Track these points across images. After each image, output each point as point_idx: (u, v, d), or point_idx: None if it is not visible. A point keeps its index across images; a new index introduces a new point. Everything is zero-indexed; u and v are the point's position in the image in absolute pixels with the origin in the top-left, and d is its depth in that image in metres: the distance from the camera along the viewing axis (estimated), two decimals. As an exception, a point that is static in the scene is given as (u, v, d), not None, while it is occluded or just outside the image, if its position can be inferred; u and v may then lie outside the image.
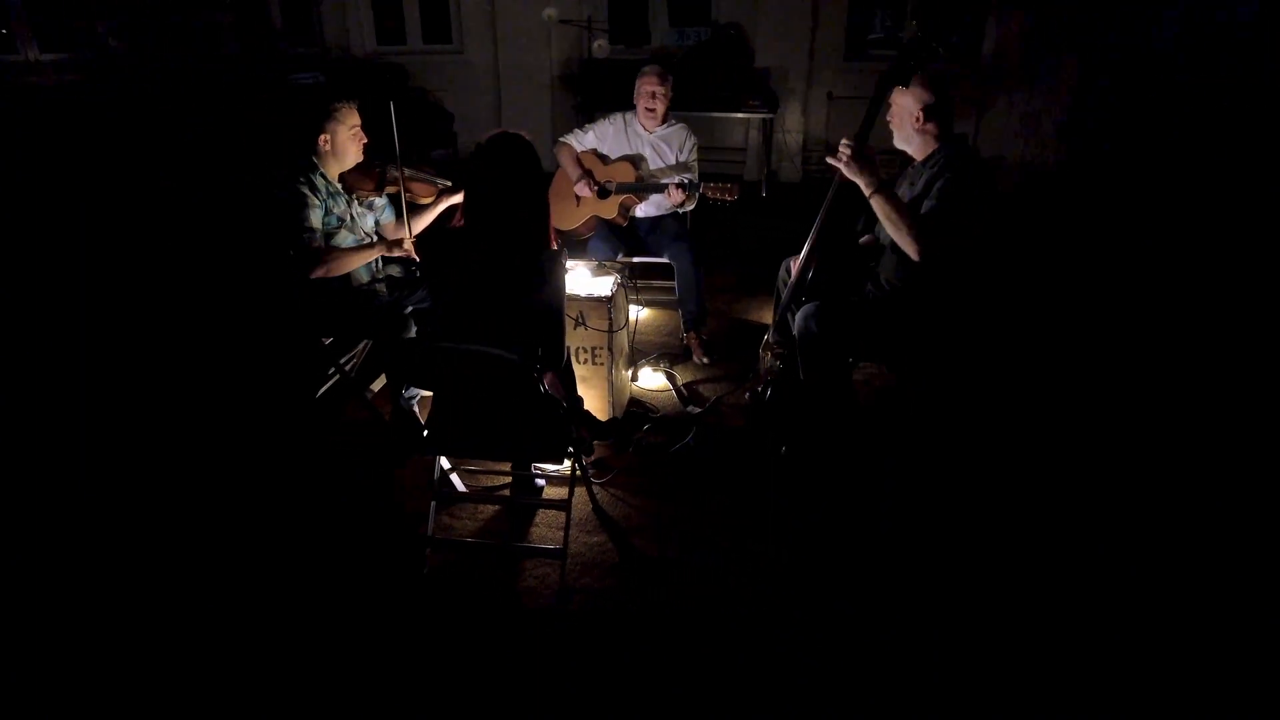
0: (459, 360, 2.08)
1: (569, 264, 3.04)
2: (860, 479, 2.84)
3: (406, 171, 2.94)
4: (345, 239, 2.98)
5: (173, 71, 6.21)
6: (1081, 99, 5.87)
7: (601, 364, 2.93)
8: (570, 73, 6.84)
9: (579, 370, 2.96)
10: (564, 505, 2.45)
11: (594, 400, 2.99)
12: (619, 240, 3.71)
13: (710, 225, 4.30)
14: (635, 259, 3.86)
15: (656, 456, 3.01)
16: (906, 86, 2.54)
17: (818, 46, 6.39)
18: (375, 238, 3.13)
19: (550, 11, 5.97)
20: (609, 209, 3.67)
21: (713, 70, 6.41)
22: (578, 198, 3.71)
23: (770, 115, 6.31)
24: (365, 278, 3.04)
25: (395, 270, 3.18)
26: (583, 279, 2.98)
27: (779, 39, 6.37)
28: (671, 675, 2.08)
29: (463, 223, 2.25)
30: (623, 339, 3.15)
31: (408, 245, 2.96)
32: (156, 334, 3.96)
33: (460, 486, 2.77)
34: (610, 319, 2.84)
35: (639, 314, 3.47)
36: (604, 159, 3.78)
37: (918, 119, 2.54)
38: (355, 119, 2.97)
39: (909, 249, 2.46)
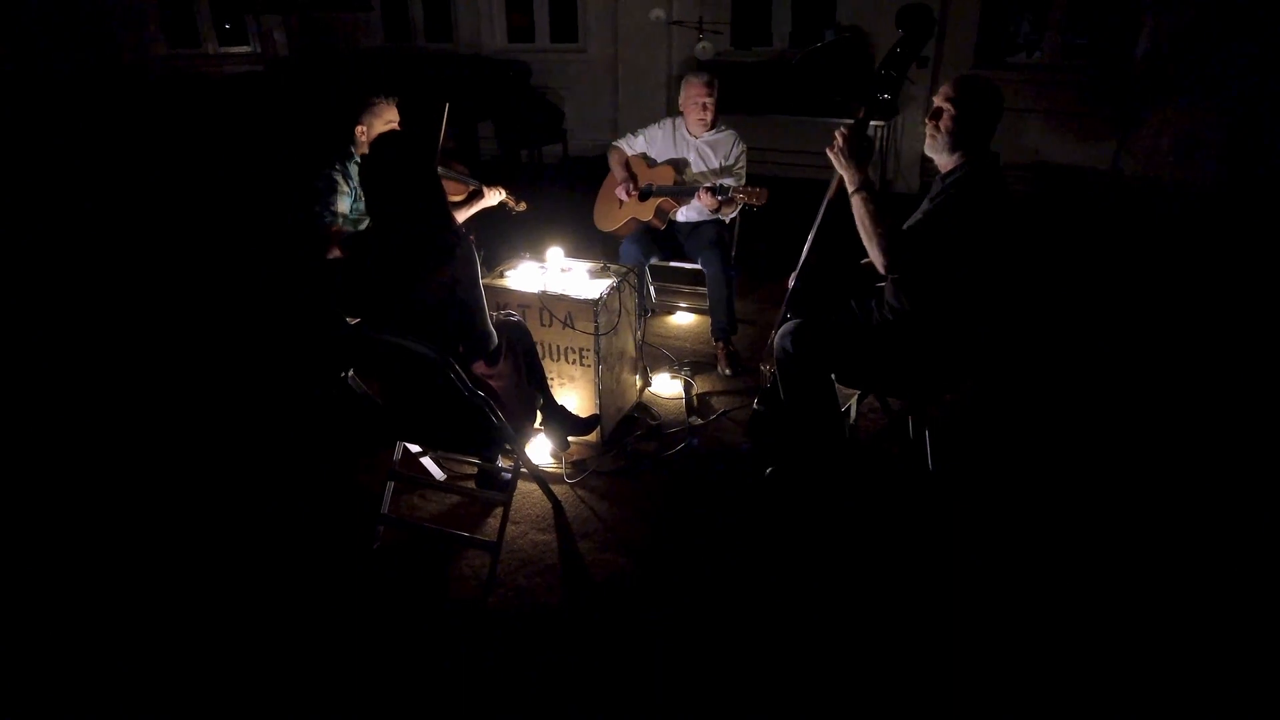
0: (383, 350, 2.15)
1: (568, 264, 3.06)
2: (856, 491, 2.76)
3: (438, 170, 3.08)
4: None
5: (319, 64, 6.84)
6: (1252, 113, 5.10)
7: (589, 366, 2.92)
8: (687, 73, 6.82)
9: (568, 370, 2.97)
10: (503, 500, 2.48)
11: (578, 402, 3.00)
12: (654, 244, 3.67)
13: (761, 235, 4.18)
14: (672, 264, 3.84)
15: (640, 463, 2.97)
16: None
17: (945, 51, 5.97)
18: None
19: (658, 12, 5.98)
20: (646, 211, 3.64)
21: (829, 74, 6.18)
22: (621, 201, 3.72)
23: (885, 123, 6.00)
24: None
25: None
26: (576, 280, 2.98)
27: (902, 42, 6.01)
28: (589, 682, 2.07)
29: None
30: (626, 343, 3.12)
31: None
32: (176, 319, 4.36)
33: (436, 472, 2.87)
34: (596, 322, 2.82)
35: (647, 317, 3.39)
36: (651, 163, 3.76)
37: (951, 128, 2.35)
38: (392, 114, 3.14)
39: (875, 258, 2.30)
